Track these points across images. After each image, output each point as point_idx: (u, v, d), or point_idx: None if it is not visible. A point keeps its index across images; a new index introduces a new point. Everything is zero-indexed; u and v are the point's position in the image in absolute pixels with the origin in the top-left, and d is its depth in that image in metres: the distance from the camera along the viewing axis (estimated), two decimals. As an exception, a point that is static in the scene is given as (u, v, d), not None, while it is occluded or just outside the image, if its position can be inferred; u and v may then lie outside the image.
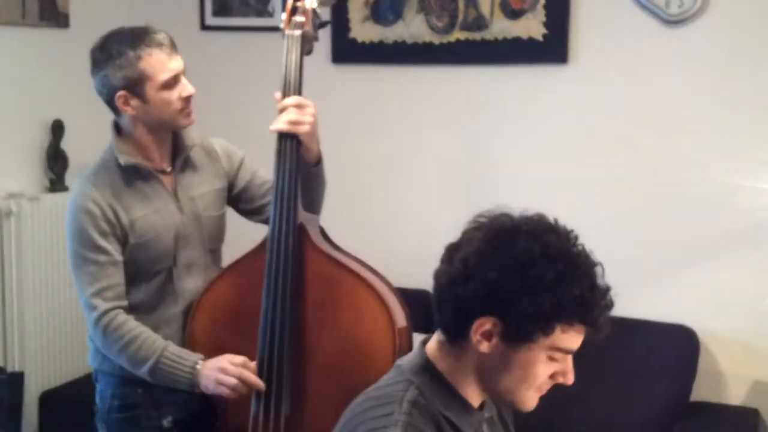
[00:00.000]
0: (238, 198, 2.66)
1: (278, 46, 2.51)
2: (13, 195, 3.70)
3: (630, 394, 3.36)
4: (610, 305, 1.51)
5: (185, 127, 2.50)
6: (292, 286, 2.40)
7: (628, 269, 3.47)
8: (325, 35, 3.63)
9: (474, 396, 1.59)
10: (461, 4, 3.67)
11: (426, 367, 1.58)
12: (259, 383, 2.38)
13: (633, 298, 3.50)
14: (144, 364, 2.39)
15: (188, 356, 2.41)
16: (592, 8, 3.51)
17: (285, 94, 2.46)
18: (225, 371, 2.35)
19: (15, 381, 3.61)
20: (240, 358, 2.37)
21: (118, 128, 2.47)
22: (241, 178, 2.64)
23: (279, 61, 2.47)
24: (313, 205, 2.57)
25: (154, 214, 2.46)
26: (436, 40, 3.73)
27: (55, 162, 3.89)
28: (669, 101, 3.43)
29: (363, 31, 3.83)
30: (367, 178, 3.90)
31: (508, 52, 3.63)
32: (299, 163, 2.45)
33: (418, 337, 1.72)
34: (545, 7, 3.54)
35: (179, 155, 2.52)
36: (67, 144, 3.90)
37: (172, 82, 2.38)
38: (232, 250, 2.60)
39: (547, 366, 1.53)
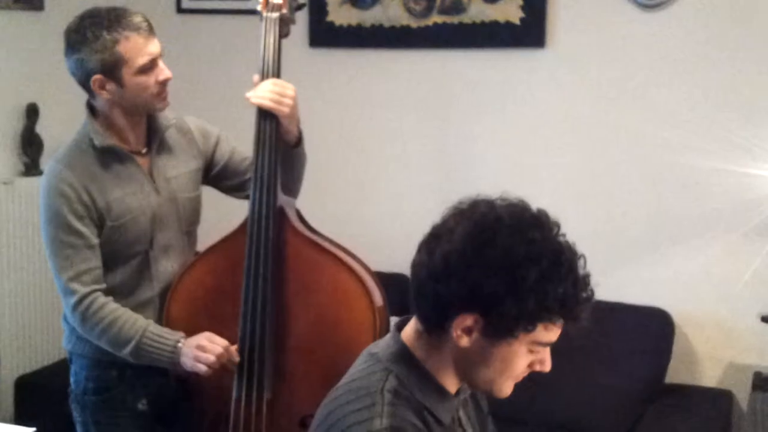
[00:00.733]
0: (219, 176, 2.64)
1: (255, 28, 2.50)
2: (-12, 179, 3.68)
3: (604, 376, 3.38)
4: (591, 297, 1.50)
5: (161, 111, 2.47)
6: (272, 270, 2.40)
7: (603, 252, 3.50)
8: (302, 18, 3.62)
9: (451, 383, 1.58)
10: (439, -12, 3.67)
11: (403, 355, 1.56)
12: (235, 359, 2.38)
13: (608, 282, 3.47)
14: (126, 345, 2.38)
15: (170, 335, 2.40)
16: (569, -8, 3.52)
17: (264, 77, 2.44)
18: (203, 348, 2.35)
19: (-10, 366, 3.61)
20: (220, 339, 2.37)
21: (92, 109, 2.44)
22: (220, 157, 2.62)
23: (256, 44, 2.46)
24: (293, 186, 2.57)
25: (130, 196, 2.43)
26: (413, 23, 3.72)
27: (30, 146, 3.85)
28: (646, 85, 3.44)
29: (340, 14, 3.81)
30: (344, 162, 3.89)
31: (485, 36, 3.63)
32: (278, 145, 2.44)
33: (393, 320, 1.70)
34: (523, -9, 3.54)
35: (154, 136, 2.49)
36: (41, 128, 3.87)
37: (149, 66, 2.35)
38: (208, 233, 2.59)
39: (526, 358, 1.53)
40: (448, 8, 3.66)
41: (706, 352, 3.51)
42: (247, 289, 2.40)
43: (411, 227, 1.66)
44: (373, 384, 1.52)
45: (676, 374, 3.47)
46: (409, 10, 3.72)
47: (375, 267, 2.54)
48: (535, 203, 1.57)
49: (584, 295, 1.48)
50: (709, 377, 3.50)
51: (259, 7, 2.49)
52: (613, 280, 3.52)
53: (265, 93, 2.41)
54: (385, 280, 2.55)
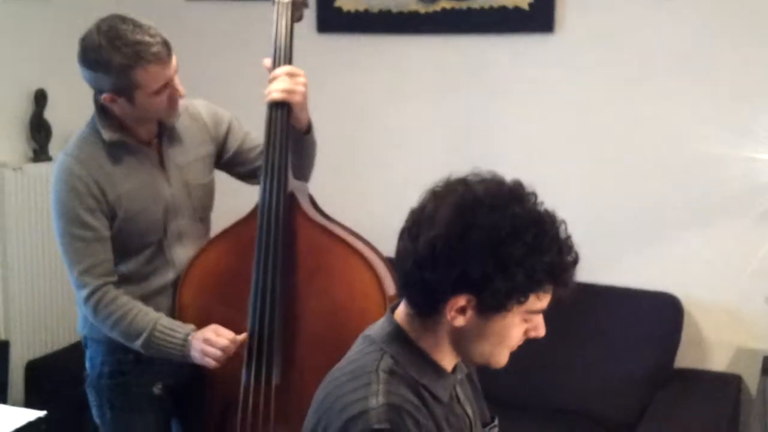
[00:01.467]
0: (231, 162, 2.64)
1: (264, 14, 2.50)
2: (-3, 165, 3.68)
3: (614, 361, 3.38)
4: (576, 260, 1.50)
5: (172, 122, 2.45)
6: (282, 256, 2.40)
7: (612, 238, 3.50)
8: (310, 4, 3.61)
9: (447, 360, 1.58)
10: (447, -27, 3.66)
11: (397, 335, 1.57)
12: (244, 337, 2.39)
13: (617, 267, 3.53)
14: (137, 338, 2.40)
15: (180, 328, 2.41)
16: (578, -23, 3.51)
17: (276, 63, 2.44)
18: (209, 342, 2.36)
19: (0, 350, 3.61)
20: (227, 332, 2.38)
21: (101, 107, 2.40)
22: (232, 143, 2.61)
23: (265, 30, 2.45)
24: (303, 172, 2.56)
25: (142, 187, 2.43)
26: (421, 9, 3.71)
27: (38, 132, 3.85)
28: (653, 70, 3.43)
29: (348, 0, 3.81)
30: (353, 148, 3.88)
31: (493, 21, 3.62)
32: (290, 132, 2.43)
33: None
34: (531, -25, 3.53)
35: (165, 126, 2.48)
36: (50, 113, 3.87)
37: (163, 89, 2.32)
38: (221, 218, 2.60)
39: (521, 327, 1.53)
40: (456, -7, 3.65)
41: (715, 336, 3.51)
42: (256, 276, 2.41)
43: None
44: (368, 364, 1.53)
45: (685, 359, 3.47)
46: (417, -4, 3.71)
47: (388, 253, 2.53)
48: (544, 189, 1.56)
49: (570, 259, 1.49)
50: (718, 362, 3.51)
51: (271, -8, 2.48)
52: (621, 266, 3.53)
53: (278, 85, 2.40)
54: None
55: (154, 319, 2.40)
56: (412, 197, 1.60)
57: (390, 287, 2.39)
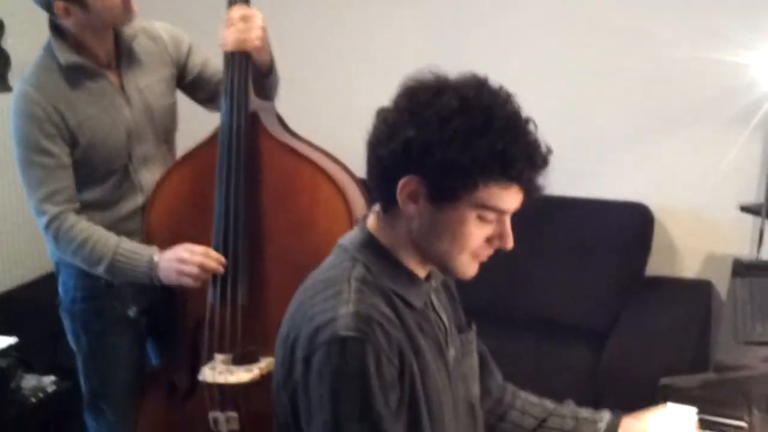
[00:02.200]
0: (191, 86, 2.60)
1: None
2: (-45, 96, 3.61)
3: (586, 271, 3.42)
4: (540, 162, 1.46)
5: (130, 23, 2.39)
6: (245, 177, 2.37)
7: (582, 149, 3.50)
8: None
9: (418, 267, 1.58)
10: None
11: (369, 242, 1.56)
12: (220, 268, 2.37)
13: (587, 179, 3.54)
14: (100, 263, 2.37)
15: (143, 250, 2.39)
16: None
17: (231, 2, 2.37)
18: (184, 261, 2.35)
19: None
20: (200, 248, 2.36)
21: (56, 28, 2.35)
22: (193, 66, 2.57)
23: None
24: (266, 94, 2.52)
25: (102, 112, 2.39)
26: None
27: (-3, 61, 3.79)
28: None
29: None
30: (335, 69, 3.84)
31: None
32: (249, 77, 2.38)
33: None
34: None
35: (122, 48, 2.43)
36: (8, 43, 3.79)
37: None
38: (188, 140, 2.56)
39: (480, 228, 1.50)
40: None
41: (686, 244, 3.55)
42: (219, 197, 2.38)
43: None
44: (340, 273, 1.52)
45: (656, 267, 3.51)
46: None
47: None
48: (518, 99, 1.51)
49: (526, 155, 1.44)
50: (689, 269, 3.55)
51: None
52: (592, 177, 3.54)
53: (232, 34, 2.33)
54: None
55: (114, 243, 2.38)
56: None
57: (358, 207, 2.37)
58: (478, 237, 1.50)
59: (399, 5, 3.74)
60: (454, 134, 1.41)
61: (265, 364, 2.38)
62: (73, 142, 2.36)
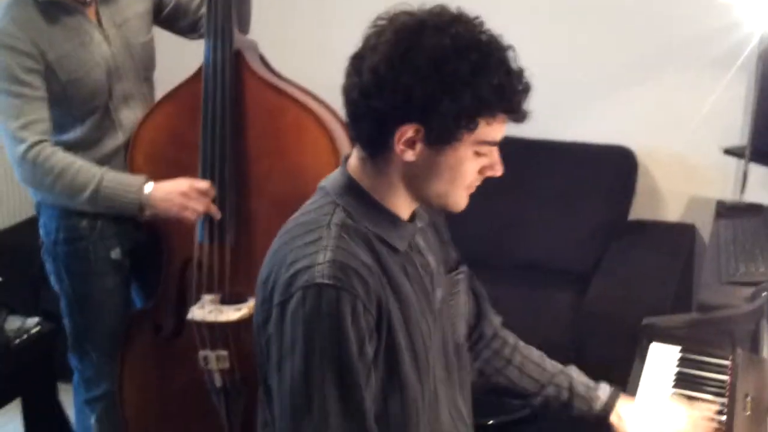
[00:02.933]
0: (170, 17, 2.57)
1: None
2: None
3: (569, 215, 3.42)
4: (527, 88, 1.46)
5: None
6: (230, 117, 2.35)
7: (565, 93, 3.48)
8: None
9: (403, 208, 1.56)
10: None
11: (350, 186, 1.54)
12: (218, 212, 2.37)
13: (570, 122, 3.53)
14: (82, 192, 2.32)
15: (132, 179, 2.37)
16: None
17: None
18: (188, 196, 2.33)
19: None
20: (203, 182, 2.35)
21: None
22: None
23: None
24: (242, 22, 2.49)
25: (81, 48, 2.35)
26: None
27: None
28: None
29: None
30: (311, 7, 3.79)
31: None
32: (233, 12, 2.35)
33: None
34: None
35: None
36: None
37: None
38: (167, 79, 2.53)
39: (475, 162, 1.50)
40: None
41: (669, 187, 3.55)
42: (204, 136, 2.37)
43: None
44: (321, 218, 1.50)
45: (639, 210, 3.52)
46: None
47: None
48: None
49: (520, 85, 1.45)
50: (672, 212, 3.56)
51: None
52: (575, 121, 3.53)
53: None
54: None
55: (100, 171, 2.34)
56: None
57: (344, 146, 2.36)
58: (474, 171, 1.51)
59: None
60: (453, 78, 1.39)
61: (253, 303, 2.37)
62: (52, 78, 2.32)
